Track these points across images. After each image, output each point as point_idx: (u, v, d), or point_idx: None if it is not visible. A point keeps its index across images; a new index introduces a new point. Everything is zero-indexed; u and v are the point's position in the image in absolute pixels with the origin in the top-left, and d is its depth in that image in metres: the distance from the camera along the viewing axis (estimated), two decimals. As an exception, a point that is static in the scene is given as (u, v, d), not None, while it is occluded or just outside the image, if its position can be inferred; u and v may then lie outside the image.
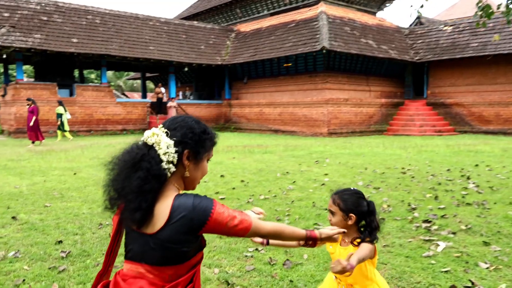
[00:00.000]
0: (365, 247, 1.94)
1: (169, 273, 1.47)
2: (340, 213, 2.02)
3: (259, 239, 1.95)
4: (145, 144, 1.52)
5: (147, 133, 1.54)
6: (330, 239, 1.76)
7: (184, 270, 1.50)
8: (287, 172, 8.44)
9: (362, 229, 2.06)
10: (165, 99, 22.65)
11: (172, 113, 21.40)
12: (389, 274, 3.42)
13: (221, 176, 8.04)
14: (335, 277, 2.13)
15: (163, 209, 1.45)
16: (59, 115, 16.14)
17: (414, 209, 5.45)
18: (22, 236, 4.39)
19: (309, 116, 19.37)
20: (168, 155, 1.49)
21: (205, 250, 3.92)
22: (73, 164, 9.72)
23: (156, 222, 1.44)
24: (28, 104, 14.88)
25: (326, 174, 8.16)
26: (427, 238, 4.29)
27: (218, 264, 3.62)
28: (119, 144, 14.44)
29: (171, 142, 1.51)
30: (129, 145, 1.55)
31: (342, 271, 1.70)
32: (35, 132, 14.44)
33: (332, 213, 2.05)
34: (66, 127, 16.33)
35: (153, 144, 1.51)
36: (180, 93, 24.84)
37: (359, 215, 2.03)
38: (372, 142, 15.30)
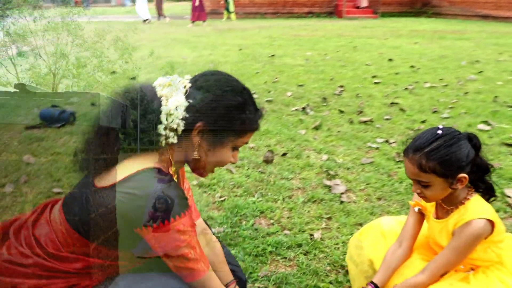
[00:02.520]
0: (457, 245, 1.18)
1: (73, 242, 1.01)
2: (440, 180, 1.15)
3: None
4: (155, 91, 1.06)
5: (161, 80, 1.06)
6: None
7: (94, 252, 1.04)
8: (476, 61, 6.71)
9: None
10: (355, -21, 20.60)
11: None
12: None
13: (389, 60, 6.90)
14: None
15: (123, 168, 0.98)
16: None
17: None
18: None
19: (535, -3, 15.05)
20: (172, 120, 1.01)
21: (322, 135, 3.32)
22: (244, 41, 9.78)
23: (107, 177, 0.99)
24: None
25: (532, 66, 6.19)
26: None
27: (332, 150, 3.00)
28: (299, 26, 14.15)
29: (185, 104, 1.02)
30: (140, 83, 1.09)
31: None
32: (198, 12, 14.68)
33: (423, 183, 1.17)
34: (232, 8, 16.39)
35: (161, 97, 1.03)
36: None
37: (472, 168, 1.17)
38: None
